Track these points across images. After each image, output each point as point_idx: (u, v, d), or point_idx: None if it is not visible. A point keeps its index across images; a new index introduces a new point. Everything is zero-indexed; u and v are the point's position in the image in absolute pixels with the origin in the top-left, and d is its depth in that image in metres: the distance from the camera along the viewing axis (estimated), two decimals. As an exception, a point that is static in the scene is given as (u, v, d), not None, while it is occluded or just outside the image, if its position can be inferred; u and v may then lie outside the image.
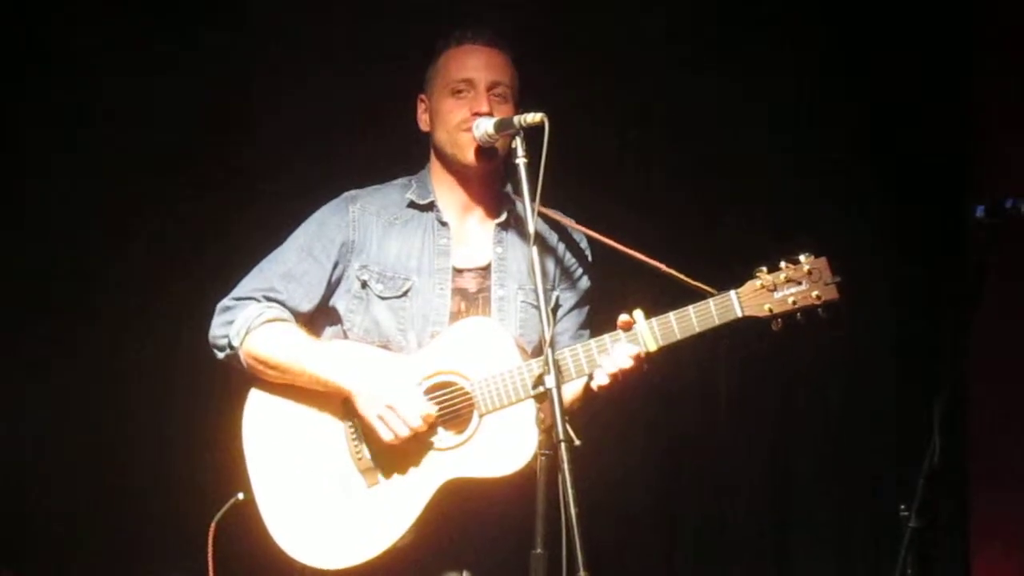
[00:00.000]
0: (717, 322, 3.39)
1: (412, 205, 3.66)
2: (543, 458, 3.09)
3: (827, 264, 3.40)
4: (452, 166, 3.64)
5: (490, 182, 3.67)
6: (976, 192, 4.57)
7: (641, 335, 3.39)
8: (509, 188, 3.68)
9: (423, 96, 3.69)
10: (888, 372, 4.81)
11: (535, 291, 3.25)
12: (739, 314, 3.39)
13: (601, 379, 3.39)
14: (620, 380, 3.38)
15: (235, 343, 3.54)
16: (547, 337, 3.16)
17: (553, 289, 3.67)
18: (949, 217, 4.68)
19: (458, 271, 3.62)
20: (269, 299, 3.58)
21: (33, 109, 4.58)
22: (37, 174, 4.61)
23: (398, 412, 3.41)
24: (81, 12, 4.58)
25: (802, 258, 3.40)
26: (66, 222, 4.62)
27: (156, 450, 4.61)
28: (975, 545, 4.72)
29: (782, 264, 3.40)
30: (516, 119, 3.38)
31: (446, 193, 3.66)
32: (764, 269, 3.41)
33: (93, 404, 4.64)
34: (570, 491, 2.99)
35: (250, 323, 3.54)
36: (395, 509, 3.43)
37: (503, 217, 3.66)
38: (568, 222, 3.66)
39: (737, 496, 4.86)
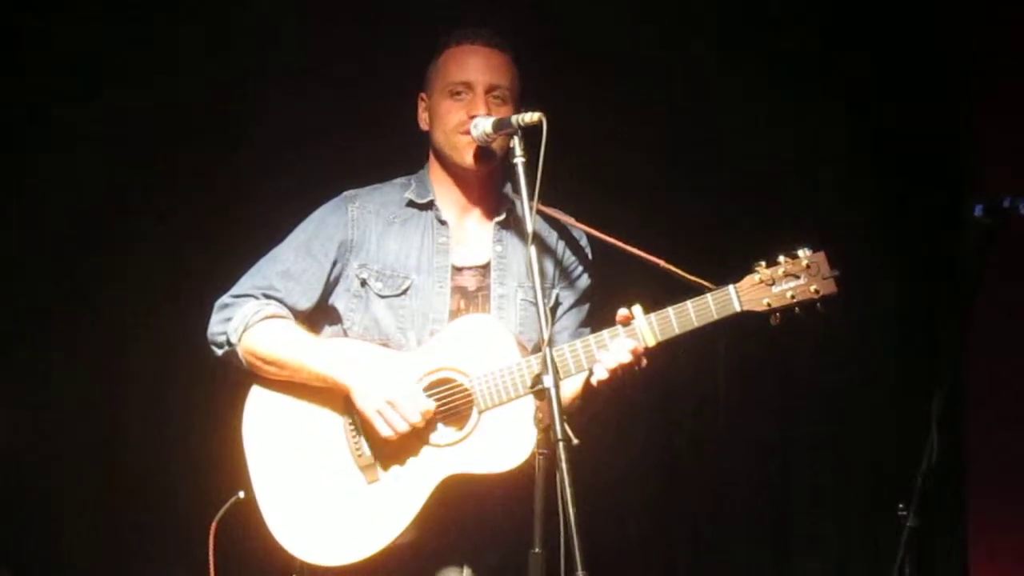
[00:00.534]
0: (715, 317, 3.38)
1: (411, 204, 3.65)
2: (541, 457, 3.08)
3: (825, 258, 3.39)
4: (451, 167, 3.63)
5: (489, 181, 3.66)
6: (975, 191, 4.57)
7: (640, 330, 3.39)
8: (509, 187, 3.67)
9: (423, 94, 3.68)
10: (887, 371, 4.81)
11: (534, 290, 3.25)
12: (737, 309, 3.38)
13: (600, 374, 3.38)
14: (619, 375, 3.37)
15: (233, 340, 3.54)
16: (545, 337, 3.17)
17: (553, 287, 3.66)
18: (948, 216, 4.68)
19: (457, 269, 3.61)
20: (267, 296, 3.58)
21: (33, 108, 4.58)
22: (37, 174, 4.62)
23: (397, 408, 3.40)
24: (81, 12, 4.58)
25: (800, 252, 3.39)
26: (66, 222, 4.61)
27: (156, 450, 4.61)
28: (973, 544, 4.72)
29: (780, 258, 3.39)
30: (514, 118, 3.38)
31: (445, 192, 3.66)
32: (762, 263, 3.40)
33: (93, 404, 4.64)
34: (568, 490, 2.99)
35: (248, 319, 3.54)
36: (395, 505, 3.43)
37: (503, 216, 3.66)
38: (568, 220, 3.66)
39: (736, 495, 4.86)
